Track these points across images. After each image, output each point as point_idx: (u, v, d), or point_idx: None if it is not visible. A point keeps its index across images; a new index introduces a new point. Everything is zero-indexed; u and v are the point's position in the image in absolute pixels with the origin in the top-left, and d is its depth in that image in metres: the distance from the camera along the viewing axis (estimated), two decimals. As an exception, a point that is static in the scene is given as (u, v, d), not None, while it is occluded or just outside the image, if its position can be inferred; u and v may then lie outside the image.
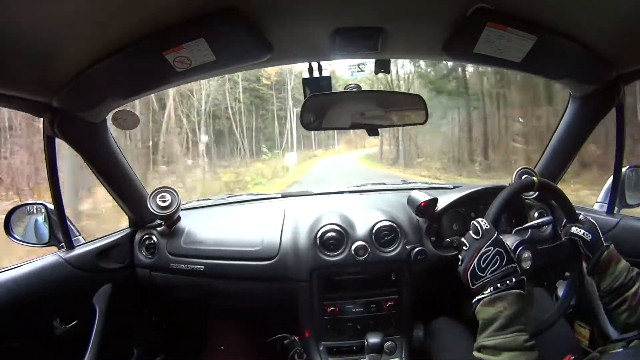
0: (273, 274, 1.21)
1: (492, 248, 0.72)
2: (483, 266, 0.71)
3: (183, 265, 1.25)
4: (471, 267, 0.73)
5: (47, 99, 0.93)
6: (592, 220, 0.86)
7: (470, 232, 0.77)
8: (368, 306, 1.22)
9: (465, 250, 0.76)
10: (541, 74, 1.06)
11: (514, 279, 0.69)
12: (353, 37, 0.86)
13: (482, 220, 0.77)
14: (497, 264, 0.71)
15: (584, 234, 0.82)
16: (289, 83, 17.02)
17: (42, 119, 1.00)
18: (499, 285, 0.69)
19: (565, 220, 0.91)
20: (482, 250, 0.72)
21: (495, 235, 0.74)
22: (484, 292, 0.70)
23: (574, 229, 0.85)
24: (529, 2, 0.75)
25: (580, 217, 0.88)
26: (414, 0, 0.76)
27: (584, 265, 0.86)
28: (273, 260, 1.21)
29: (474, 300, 0.72)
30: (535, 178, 0.88)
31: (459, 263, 0.78)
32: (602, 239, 0.82)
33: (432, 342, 1.15)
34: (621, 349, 0.69)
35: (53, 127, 0.99)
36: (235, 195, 1.66)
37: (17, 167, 6.25)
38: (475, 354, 0.67)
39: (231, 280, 1.25)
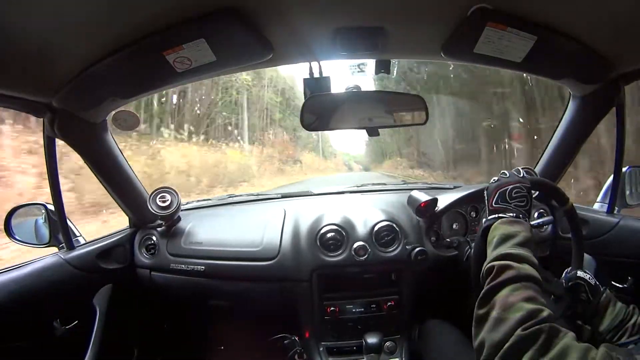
0: (273, 274, 1.21)
1: (525, 190, 0.77)
2: (513, 195, 0.77)
3: (183, 266, 1.25)
4: (504, 189, 0.78)
5: (47, 99, 0.93)
6: (587, 271, 0.87)
7: (513, 170, 0.82)
8: (368, 306, 1.22)
9: (505, 176, 0.80)
10: (541, 74, 1.06)
11: (528, 220, 0.76)
12: (353, 37, 0.86)
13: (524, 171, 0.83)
14: (523, 203, 0.76)
15: (589, 278, 0.85)
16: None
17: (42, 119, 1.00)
18: (520, 215, 0.75)
19: (569, 269, 0.90)
20: (519, 185, 0.77)
21: (530, 186, 0.79)
22: (505, 214, 0.75)
23: (580, 274, 0.86)
24: (529, 2, 0.75)
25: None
26: (414, 0, 0.76)
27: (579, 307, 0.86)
28: (273, 261, 1.21)
29: (491, 216, 0.77)
30: (570, 200, 0.87)
31: (492, 181, 0.82)
32: (599, 284, 0.84)
33: (424, 344, 1.15)
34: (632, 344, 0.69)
35: (53, 128, 0.99)
36: (236, 196, 1.65)
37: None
38: (496, 262, 0.66)
39: (231, 281, 1.25)
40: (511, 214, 0.75)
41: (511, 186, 0.77)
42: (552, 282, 0.86)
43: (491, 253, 0.70)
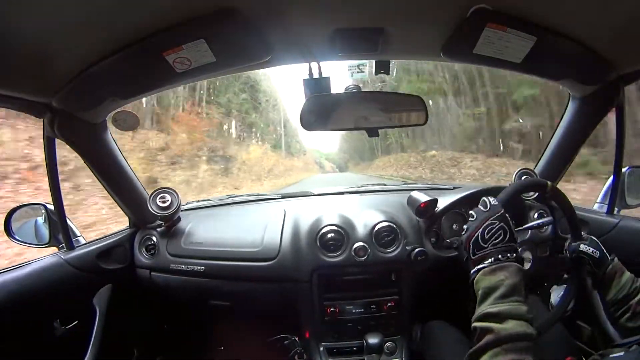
0: (273, 274, 1.21)
1: (498, 222, 0.73)
2: (487, 237, 0.73)
3: (183, 266, 1.25)
4: (474, 237, 0.74)
5: (47, 100, 0.93)
6: (592, 237, 0.87)
7: (479, 206, 0.79)
8: (368, 307, 1.22)
9: (472, 220, 0.77)
10: (541, 75, 1.06)
11: (514, 254, 0.71)
12: (353, 37, 0.86)
13: (490, 197, 0.79)
14: (500, 238, 0.72)
15: (592, 252, 0.84)
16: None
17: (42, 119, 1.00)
18: (500, 257, 0.70)
19: (570, 238, 0.91)
20: (488, 222, 0.74)
21: (502, 211, 0.75)
22: (484, 262, 0.71)
23: (582, 247, 0.85)
24: (529, 2, 0.75)
25: (583, 234, 0.89)
26: (414, 1, 0.76)
27: (588, 280, 0.87)
28: (273, 261, 1.21)
29: (472, 270, 0.73)
30: (548, 182, 0.87)
31: (463, 232, 0.79)
32: (606, 253, 0.83)
33: (426, 344, 1.15)
34: (621, 353, 0.69)
35: (53, 128, 0.99)
36: (236, 196, 1.65)
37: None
38: (478, 324, 0.66)
39: (231, 281, 1.25)
40: (491, 260, 0.71)
41: (480, 229, 0.74)
42: (557, 258, 0.86)
43: (477, 309, 0.69)
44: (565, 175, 1.33)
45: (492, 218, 0.74)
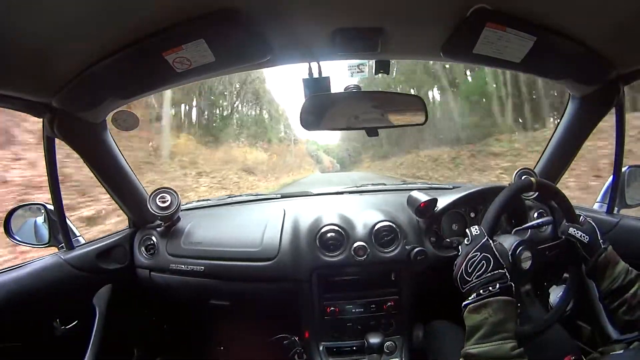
0: (273, 274, 1.21)
1: (479, 253, 0.73)
2: (470, 271, 0.72)
3: (183, 266, 1.25)
4: (459, 273, 0.74)
5: (47, 100, 0.93)
6: (591, 222, 0.87)
7: (464, 239, 0.78)
8: (368, 306, 1.22)
9: (459, 254, 0.77)
10: (541, 75, 1.06)
11: (498, 285, 0.69)
12: (352, 37, 0.86)
13: (474, 227, 0.78)
14: (483, 269, 0.71)
15: (581, 236, 0.83)
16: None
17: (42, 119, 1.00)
18: (481, 291, 0.69)
19: (564, 220, 0.91)
20: (470, 256, 0.73)
21: (484, 240, 0.74)
22: (469, 298, 0.71)
23: (571, 230, 0.85)
24: (529, 2, 0.75)
25: (580, 218, 0.88)
26: (414, 0, 0.76)
27: (583, 266, 0.87)
28: (273, 261, 1.21)
29: (462, 306, 0.72)
30: (533, 178, 0.88)
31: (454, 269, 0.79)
32: (600, 240, 0.82)
33: (430, 344, 1.15)
34: (622, 351, 0.69)
35: (53, 128, 0.99)
36: (236, 196, 1.66)
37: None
38: None
39: (231, 281, 1.25)
40: (474, 295, 0.70)
41: (464, 264, 0.73)
42: (555, 248, 0.86)
43: (464, 346, 0.69)
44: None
45: (473, 251, 0.74)
